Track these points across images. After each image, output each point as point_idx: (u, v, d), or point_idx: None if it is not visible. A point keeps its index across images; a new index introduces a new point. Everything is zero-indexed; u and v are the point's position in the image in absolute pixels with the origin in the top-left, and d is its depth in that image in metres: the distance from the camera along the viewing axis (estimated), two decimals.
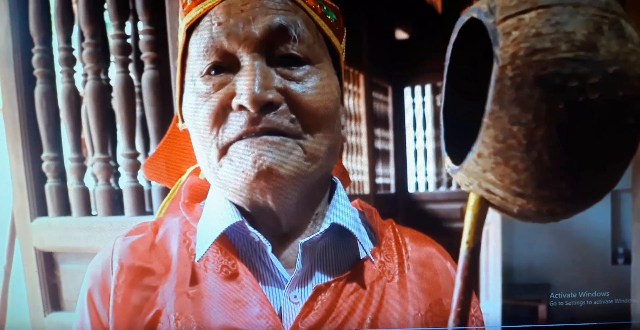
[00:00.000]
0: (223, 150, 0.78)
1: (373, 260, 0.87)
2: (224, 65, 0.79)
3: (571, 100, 0.44)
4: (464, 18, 0.53)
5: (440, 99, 0.60)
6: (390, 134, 4.48)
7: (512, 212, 0.52)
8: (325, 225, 0.83)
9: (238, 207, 0.84)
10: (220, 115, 0.77)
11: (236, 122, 0.76)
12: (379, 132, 4.22)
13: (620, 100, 0.45)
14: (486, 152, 0.48)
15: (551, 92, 0.44)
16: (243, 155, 0.76)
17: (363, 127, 3.75)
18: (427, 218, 4.09)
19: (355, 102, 3.69)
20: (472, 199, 0.54)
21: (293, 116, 0.77)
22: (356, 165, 3.70)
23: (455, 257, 0.89)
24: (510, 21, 0.47)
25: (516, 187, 0.49)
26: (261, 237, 0.81)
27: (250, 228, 0.81)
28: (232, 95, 0.76)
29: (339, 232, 0.85)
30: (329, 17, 0.85)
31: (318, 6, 0.84)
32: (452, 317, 0.57)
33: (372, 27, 3.72)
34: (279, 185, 0.78)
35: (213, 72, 0.79)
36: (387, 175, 4.38)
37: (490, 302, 2.52)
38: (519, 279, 2.66)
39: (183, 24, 0.84)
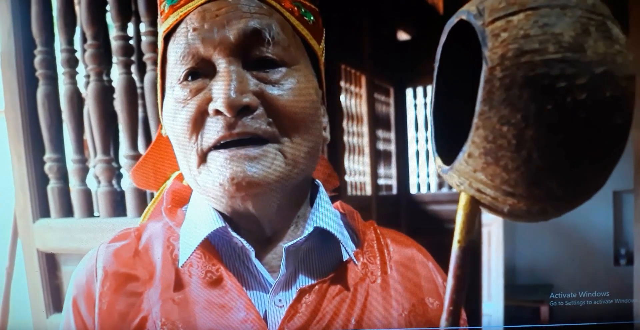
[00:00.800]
0: (202, 157, 0.79)
1: (356, 262, 0.88)
2: (201, 71, 0.79)
3: (559, 101, 0.45)
4: (453, 20, 0.54)
5: (430, 100, 0.60)
6: (392, 135, 4.46)
7: (502, 211, 0.53)
8: (309, 229, 0.83)
9: (220, 212, 0.85)
10: (198, 121, 0.78)
11: (213, 127, 0.77)
12: (380, 133, 4.20)
13: (607, 101, 0.46)
14: (477, 152, 0.49)
15: (540, 93, 0.45)
16: (221, 168, 0.77)
17: (365, 128, 3.74)
18: (429, 219, 4.08)
19: (357, 103, 3.68)
20: (463, 199, 0.55)
21: (270, 119, 0.78)
22: (358, 166, 3.68)
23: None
24: (499, 23, 0.47)
25: (507, 186, 0.50)
26: (244, 243, 0.82)
27: (234, 233, 0.82)
28: (209, 100, 0.77)
29: (322, 235, 0.85)
30: (307, 19, 0.86)
31: (295, 8, 0.84)
32: (444, 315, 0.57)
33: (373, 29, 3.71)
34: (259, 193, 0.78)
35: (190, 78, 0.80)
36: (389, 176, 4.37)
37: (493, 303, 2.52)
38: (521, 280, 2.66)
39: (161, 31, 0.85)
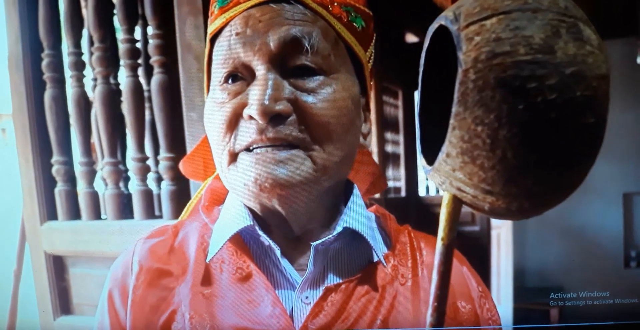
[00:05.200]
0: (233, 157, 0.80)
1: (385, 263, 0.88)
2: (241, 74, 0.80)
3: (530, 101, 0.46)
4: (434, 25, 0.55)
5: (416, 103, 0.62)
6: (400, 137, 4.46)
7: (483, 209, 0.55)
8: (339, 229, 0.84)
9: (252, 210, 0.86)
10: (233, 123, 0.79)
11: (246, 131, 0.78)
12: (389, 135, 4.21)
13: (578, 100, 0.47)
14: (454, 152, 0.51)
15: (511, 94, 0.46)
16: (247, 169, 0.78)
17: (373, 130, 3.74)
18: (438, 221, 4.07)
19: None
20: (445, 198, 0.56)
21: (302, 127, 0.78)
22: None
23: (470, 261, 0.90)
24: (472, 27, 0.49)
25: (485, 185, 0.51)
26: (270, 241, 0.83)
27: (260, 232, 0.83)
28: (245, 105, 0.78)
29: (353, 236, 0.86)
30: (356, 25, 0.85)
31: (344, 14, 0.84)
32: (429, 311, 0.59)
33: (381, 31, 3.70)
34: (284, 194, 0.79)
35: (230, 80, 0.81)
36: (397, 178, 4.37)
37: (502, 306, 2.51)
38: (531, 283, 2.65)
39: (208, 32, 0.86)
